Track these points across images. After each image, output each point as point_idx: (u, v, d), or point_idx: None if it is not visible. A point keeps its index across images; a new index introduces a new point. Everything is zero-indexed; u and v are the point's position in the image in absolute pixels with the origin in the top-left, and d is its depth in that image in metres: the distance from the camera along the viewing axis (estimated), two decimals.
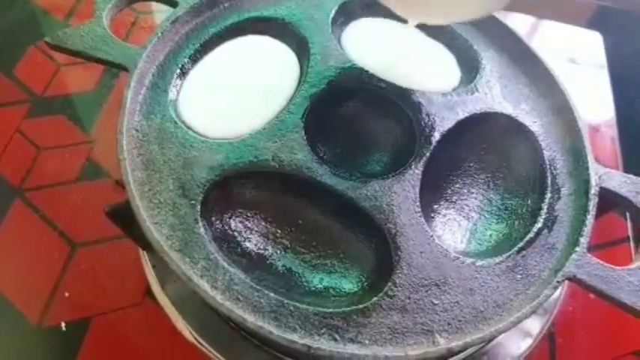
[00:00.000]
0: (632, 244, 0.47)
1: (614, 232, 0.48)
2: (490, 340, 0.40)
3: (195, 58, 0.39)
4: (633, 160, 0.56)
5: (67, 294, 0.41)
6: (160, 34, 0.38)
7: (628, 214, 0.41)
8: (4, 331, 0.40)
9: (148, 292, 0.41)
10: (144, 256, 0.41)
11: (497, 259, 0.34)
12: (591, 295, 0.33)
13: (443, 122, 0.38)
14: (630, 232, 0.48)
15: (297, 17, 0.41)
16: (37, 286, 0.41)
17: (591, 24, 0.69)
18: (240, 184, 0.35)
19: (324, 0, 0.43)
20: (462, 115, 0.38)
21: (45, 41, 0.38)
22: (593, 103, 0.60)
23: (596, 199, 0.36)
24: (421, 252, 0.33)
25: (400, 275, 0.32)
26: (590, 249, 0.34)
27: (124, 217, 0.34)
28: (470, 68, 0.42)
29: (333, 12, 0.42)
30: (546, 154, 0.38)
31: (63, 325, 0.40)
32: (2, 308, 0.40)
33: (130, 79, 0.36)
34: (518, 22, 0.65)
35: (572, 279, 0.32)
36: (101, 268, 0.42)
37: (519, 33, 0.44)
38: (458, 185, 0.38)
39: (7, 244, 0.43)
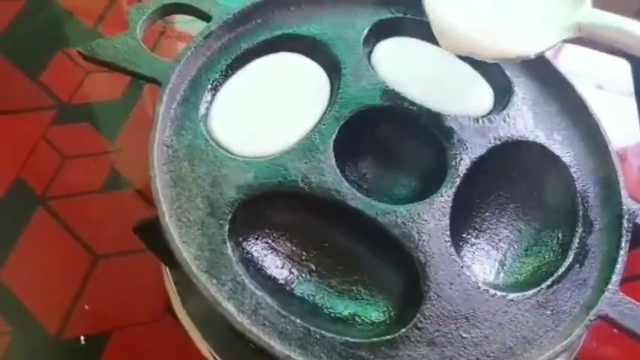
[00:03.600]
0: None
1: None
2: None
3: (226, 74, 0.39)
4: None
5: (87, 307, 0.40)
6: (192, 49, 0.38)
7: None
8: (22, 341, 0.39)
9: (169, 308, 0.41)
10: (165, 271, 0.41)
11: (528, 294, 0.33)
12: (615, 331, 0.32)
13: (474, 148, 0.37)
14: None
15: (329, 36, 0.41)
16: (57, 296, 0.41)
17: (616, 50, 0.68)
18: (268, 204, 0.35)
19: (357, 19, 0.43)
20: (493, 142, 0.38)
21: (77, 51, 0.37)
22: (621, 130, 0.59)
23: (630, 235, 0.35)
24: (451, 283, 0.32)
25: (429, 307, 0.31)
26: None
27: (150, 233, 0.33)
28: (502, 94, 0.42)
29: (366, 32, 0.42)
30: (578, 186, 0.38)
31: (82, 338, 0.39)
32: (21, 318, 0.40)
33: (162, 93, 0.36)
34: None
35: (605, 318, 0.32)
36: (122, 282, 0.42)
37: (551, 59, 0.43)
38: (487, 214, 0.38)
39: (28, 252, 0.43)
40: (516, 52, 0.35)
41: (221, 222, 0.32)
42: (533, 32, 0.36)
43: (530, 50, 0.34)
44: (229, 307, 0.30)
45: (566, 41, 0.66)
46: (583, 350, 0.42)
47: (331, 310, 0.33)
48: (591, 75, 0.64)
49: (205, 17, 0.41)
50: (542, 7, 0.36)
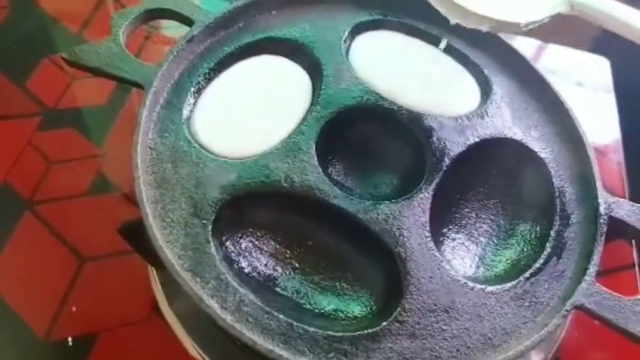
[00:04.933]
0: (638, 272, 0.48)
1: (620, 258, 0.48)
2: None
3: (209, 77, 0.40)
4: (639, 185, 0.56)
5: (74, 308, 0.41)
6: (175, 53, 0.39)
7: (634, 243, 0.41)
8: (10, 344, 0.40)
9: (156, 308, 0.41)
10: (152, 272, 0.41)
11: (506, 286, 0.34)
12: (597, 322, 0.33)
13: (453, 146, 0.38)
14: (636, 260, 0.48)
15: (311, 39, 0.42)
16: (44, 299, 0.41)
17: (596, 49, 0.69)
18: (251, 204, 0.35)
19: (337, 21, 0.44)
20: (472, 139, 0.38)
21: (61, 57, 0.38)
22: (601, 126, 0.60)
23: (605, 228, 0.36)
24: (431, 277, 0.33)
25: (410, 300, 0.32)
26: (597, 275, 0.34)
27: (135, 234, 0.34)
28: (481, 93, 0.42)
29: (346, 34, 0.43)
30: (555, 181, 0.38)
31: (70, 339, 0.40)
32: (9, 321, 0.40)
33: (146, 97, 0.36)
34: (525, 45, 0.66)
35: (581, 308, 0.33)
36: (109, 284, 0.42)
37: (529, 58, 0.44)
38: (467, 210, 0.39)
39: (16, 256, 0.43)
40: (507, 19, 0.35)
41: (204, 222, 0.33)
42: (527, 4, 0.35)
43: (522, 19, 0.34)
44: (213, 304, 0.30)
45: (547, 41, 0.68)
46: (566, 342, 0.43)
47: (315, 306, 0.34)
48: (572, 73, 0.65)
49: (187, 22, 0.41)
50: None
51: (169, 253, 0.31)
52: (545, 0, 0.35)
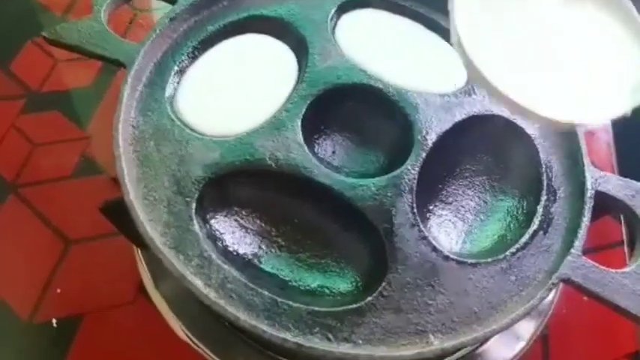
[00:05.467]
0: (626, 248, 0.47)
1: (610, 235, 0.48)
2: (484, 342, 0.40)
3: (193, 56, 0.39)
4: (628, 164, 0.56)
5: (59, 290, 0.41)
6: (158, 31, 0.38)
7: (622, 218, 0.41)
8: None
9: (142, 290, 0.41)
10: (138, 253, 0.41)
11: (493, 261, 0.33)
12: (585, 298, 0.33)
13: (440, 123, 0.38)
14: (625, 236, 0.48)
15: (296, 17, 0.41)
16: (29, 282, 0.41)
17: None
18: (235, 182, 0.35)
19: (324, 0, 0.43)
20: (459, 116, 0.38)
21: (42, 35, 0.37)
22: None
23: (592, 202, 0.36)
24: (416, 252, 0.33)
25: (395, 275, 0.32)
26: (585, 252, 0.34)
27: (118, 213, 0.33)
28: None
29: (332, 12, 0.42)
30: (543, 156, 0.38)
31: (54, 321, 0.39)
32: None
33: (128, 75, 0.36)
34: None
35: (567, 281, 0.32)
36: (94, 266, 0.42)
37: None
38: (454, 187, 0.38)
39: (0, 238, 0.43)
40: (572, 119, 0.28)
41: (188, 200, 0.33)
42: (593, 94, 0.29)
43: (593, 118, 0.29)
44: (196, 280, 0.30)
45: None
46: (554, 318, 0.43)
47: (300, 283, 0.34)
48: None
49: (171, 1, 0.41)
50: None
51: (151, 230, 0.31)
52: (620, 88, 0.29)
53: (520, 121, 0.39)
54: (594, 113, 0.29)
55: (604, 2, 0.30)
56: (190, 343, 0.38)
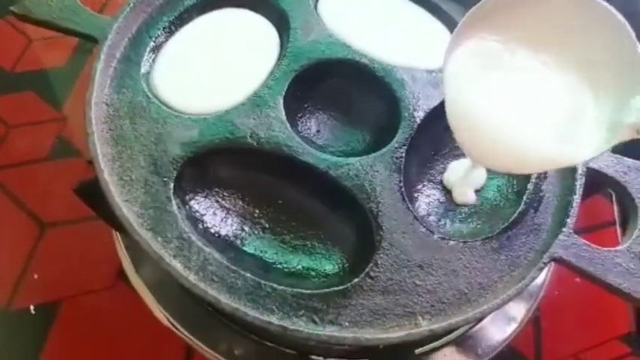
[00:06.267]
0: (618, 227, 0.47)
1: (602, 215, 0.48)
2: (475, 324, 0.40)
3: (169, 31, 0.38)
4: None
5: (36, 276, 0.39)
6: (132, 5, 0.36)
7: (614, 195, 0.40)
8: None
9: (121, 274, 0.40)
10: (117, 237, 0.40)
11: (482, 240, 0.33)
12: (577, 279, 0.32)
13: (427, 100, 0.36)
14: (616, 215, 0.47)
15: None
16: (4, 268, 0.40)
17: None
18: (215, 161, 0.34)
19: None
20: None
21: (11, 10, 0.36)
22: None
23: (583, 180, 0.35)
24: (404, 232, 0.32)
25: (382, 256, 0.31)
26: (577, 232, 0.33)
27: (93, 195, 0.32)
28: None
29: None
30: None
31: (32, 308, 0.38)
32: None
33: (101, 50, 0.34)
34: None
35: (559, 260, 0.32)
36: (72, 250, 0.40)
37: None
38: (442, 165, 0.37)
39: None
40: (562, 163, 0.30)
41: (165, 180, 0.31)
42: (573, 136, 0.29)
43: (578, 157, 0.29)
44: (175, 263, 0.29)
45: None
46: (546, 299, 0.42)
47: (284, 265, 0.32)
48: None
49: None
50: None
51: (128, 212, 0.30)
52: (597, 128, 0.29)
53: None
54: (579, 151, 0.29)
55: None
56: (172, 328, 0.38)
